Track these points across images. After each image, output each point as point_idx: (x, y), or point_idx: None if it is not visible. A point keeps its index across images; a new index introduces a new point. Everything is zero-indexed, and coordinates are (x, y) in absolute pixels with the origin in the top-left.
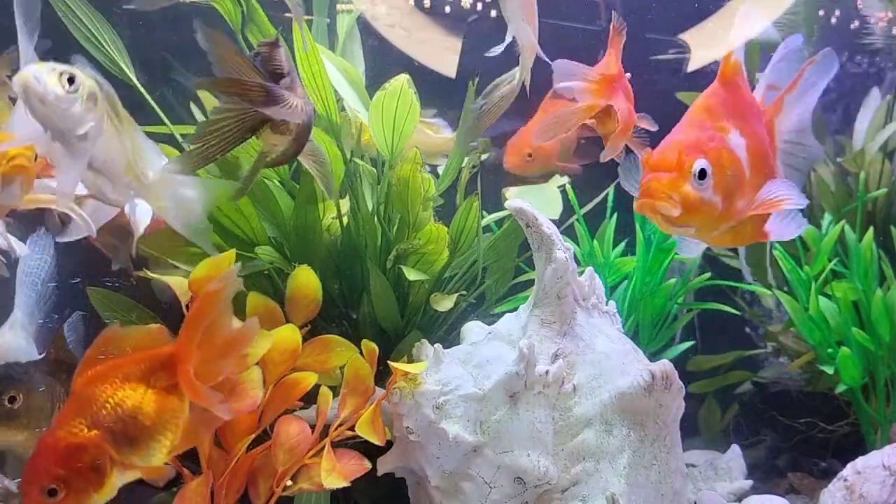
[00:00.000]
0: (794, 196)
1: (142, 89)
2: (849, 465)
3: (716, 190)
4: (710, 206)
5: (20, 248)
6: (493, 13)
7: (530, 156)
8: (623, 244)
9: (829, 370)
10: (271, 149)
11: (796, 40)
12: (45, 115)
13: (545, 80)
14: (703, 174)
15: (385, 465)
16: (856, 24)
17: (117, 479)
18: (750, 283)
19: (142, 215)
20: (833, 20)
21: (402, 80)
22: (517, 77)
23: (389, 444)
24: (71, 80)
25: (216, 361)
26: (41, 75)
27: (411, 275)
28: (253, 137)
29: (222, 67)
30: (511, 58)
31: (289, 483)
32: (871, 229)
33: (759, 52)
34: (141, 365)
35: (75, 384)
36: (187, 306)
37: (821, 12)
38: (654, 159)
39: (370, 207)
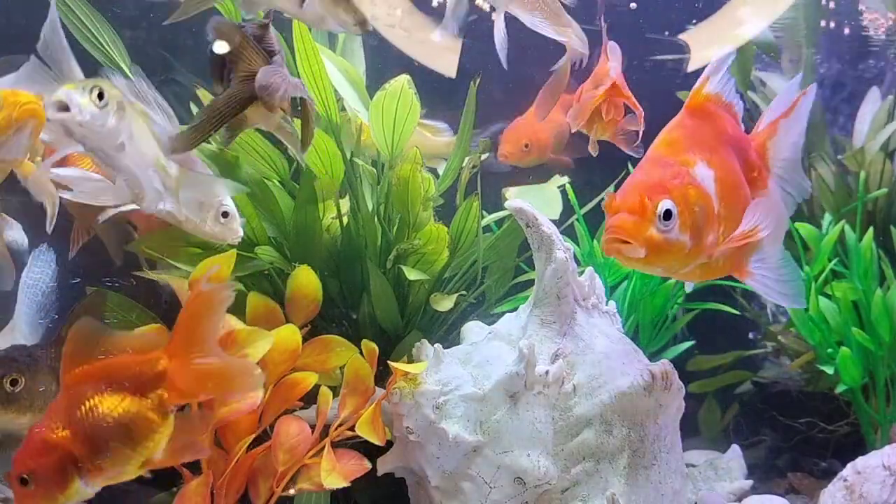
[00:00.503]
0: (772, 224)
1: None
2: (849, 465)
3: (682, 229)
4: (677, 246)
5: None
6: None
7: (527, 146)
8: None
9: (829, 370)
10: (257, 124)
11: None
12: (84, 136)
13: (536, 75)
14: (668, 214)
15: (385, 465)
16: (856, 23)
17: (81, 485)
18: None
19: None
20: (833, 20)
21: (403, 81)
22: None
23: (389, 444)
24: (101, 96)
25: (205, 370)
26: (74, 98)
27: (411, 275)
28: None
29: (225, 42)
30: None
31: (292, 492)
32: (871, 229)
33: (753, 54)
34: (127, 371)
35: (63, 380)
36: None
37: (821, 15)
38: (617, 202)
39: (370, 207)
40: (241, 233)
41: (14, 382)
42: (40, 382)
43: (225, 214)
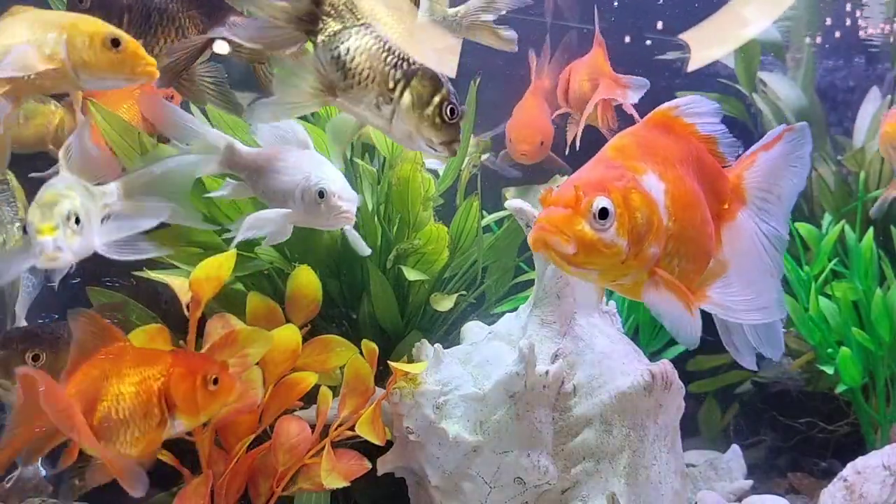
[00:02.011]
0: (737, 255)
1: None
2: (849, 465)
3: (619, 232)
4: (611, 249)
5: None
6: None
7: (542, 143)
8: None
9: (829, 370)
10: None
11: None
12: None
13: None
14: (604, 213)
15: (385, 465)
16: (856, 23)
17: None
18: None
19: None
20: (833, 20)
21: None
22: None
23: (389, 444)
24: (77, 220)
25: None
26: (59, 241)
27: (411, 275)
28: None
29: None
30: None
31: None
32: (871, 229)
33: (758, 52)
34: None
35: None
36: (187, 306)
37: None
38: (552, 196)
39: (370, 207)
40: (352, 215)
41: (36, 358)
42: (61, 359)
43: (321, 195)
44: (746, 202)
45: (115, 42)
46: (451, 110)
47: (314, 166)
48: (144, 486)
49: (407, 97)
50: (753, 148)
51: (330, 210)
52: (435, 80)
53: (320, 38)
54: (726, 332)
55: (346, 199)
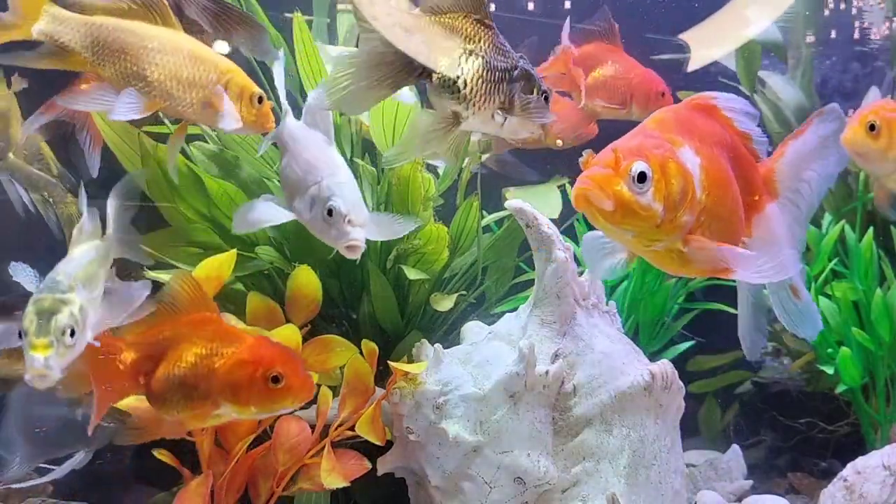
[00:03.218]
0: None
1: None
2: (849, 465)
3: (656, 196)
4: (648, 212)
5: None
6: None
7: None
8: None
9: (830, 370)
10: None
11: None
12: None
13: None
14: (642, 177)
15: (385, 465)
16: (856, 23)
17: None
18: None
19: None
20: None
21: None
22: None
23: (389, 444)
24: (72, 333)
25: None
26: (51, 361)
27: (411, 275)
28: None
29: None
30: None
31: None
32: (871, 229)
33: (760, 53)
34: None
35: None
36: None
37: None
38: (593, 159)
39: (370, 207)
40: (361, 242)
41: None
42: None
43: (329, 213)
44: (778, 195)
45: (260, 99)
46: (546, 97)
47: (330, 171)
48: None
49: (517, 102)
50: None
51: (338, 232)
52: (530, 77)
53: (435, 77)
54: (747, 320)
55: (356, 223)
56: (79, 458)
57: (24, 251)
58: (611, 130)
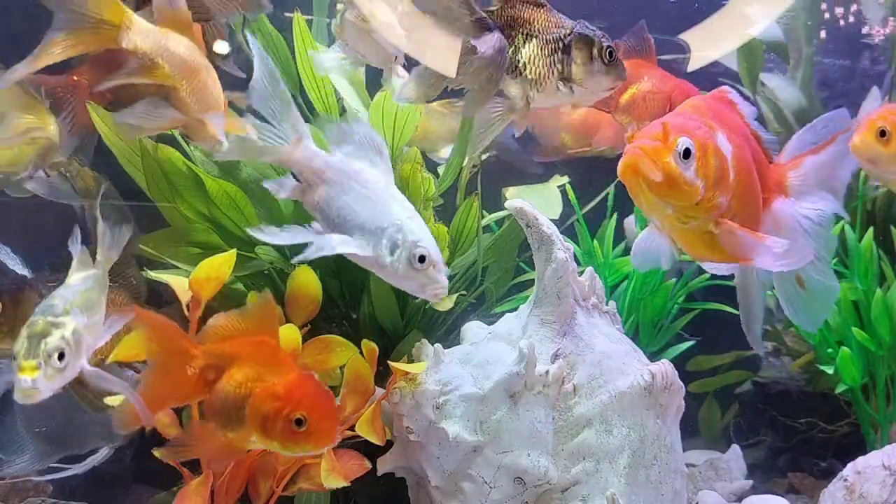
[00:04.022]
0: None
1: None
2: (849, 465)
3: (699, 173)
4: (691, 187)
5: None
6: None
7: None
8: (623, 244)
9: (830, 370)
10: None
11: (841, 114)
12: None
13: None
14: (687, 153)
15: (385, 465)
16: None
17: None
18: None
19: None
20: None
21: None
22: None
23: (389, 444)
24: (61, 356)
25: None
26: (38, 382)
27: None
28: None
29: None
30: None
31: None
32: (870, 229)
33: (762, 53)
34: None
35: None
36: (187, 306)
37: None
38: (641, 132)
39: None
40: (445, 289)
41: None
42: (22, 310)
43: (421, 259)
44: (788, 195)
45: None
46: (610, 52)
47: (405, 212)
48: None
49: (578, 69)
50: (796, 144)
51: (427, 279)
52: (587, 39)
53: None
54: (748, 312)
55: (441, 267)
56: (102, 455)
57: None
58: None
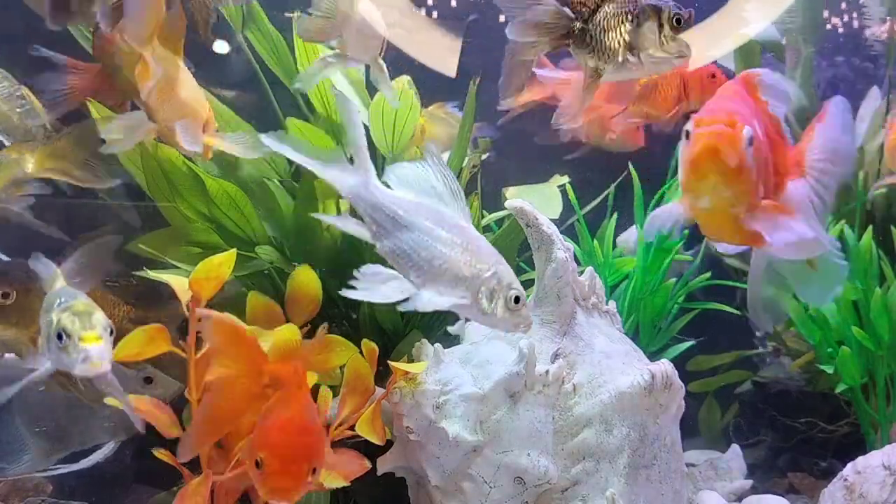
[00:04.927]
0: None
1: None
2: (849, 465)
3: (755, 160)
4: (751, 176)
5: None
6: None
7: (637, 128)
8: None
9: (829, 370)
10: None
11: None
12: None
13: None
14: (750, 141)
15: (385, 464)
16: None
17: None
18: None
19: None
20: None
21: (403, 81)
22: None
23: (389, 443)
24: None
25: None
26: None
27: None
28: None
29: None
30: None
31: None
32: (870, 229)
33: (759, 52)
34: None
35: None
36: (187, 306)
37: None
38: (708, 117)
39: None
40: (531, 321)
41: (6, 295)
42: (32, 298)
43: (517, 300)
44: (805, 174)
45: None
46: (678, 19)
47: (494, 256)
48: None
49: (646, 37)
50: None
51: (520, 319)
52: (654, 8)
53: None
54: (756, 293)
55: (527, 303)
56: (108, 449)
57: None
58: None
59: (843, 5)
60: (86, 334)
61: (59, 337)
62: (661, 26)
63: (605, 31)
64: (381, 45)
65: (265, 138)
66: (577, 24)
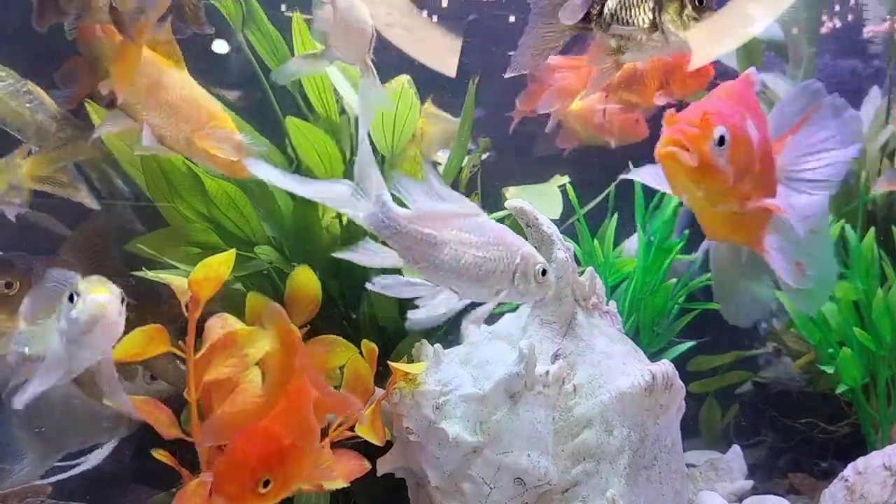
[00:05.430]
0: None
1: None
2: (850, 466)
3: (730, 161)
4: (723, 175)
5: None
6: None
7: (637, 121)
8: (623, 245)
9: (830, 370)
10: None
11: (814, 84)
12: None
13: None
14: (722, 140)
15: (385, 465)
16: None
17: None
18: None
19: None
20: (833, 19)
21: (403, 81)
22: None
23: (389, 444)
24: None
25: None
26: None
27: (411, 275)
28: None
29: None
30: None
31: None
32: (871, 229)
33: (762, 51)
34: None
35: None
36: (187, 306)
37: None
38: (678, 116)
39: None
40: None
41: (9, 285)
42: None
43: (543, 273)
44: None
45: None
46: (700, 0)
47: (517, 241)
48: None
49: (669, 15)
50: (776, 122)
51: (548, 286)
52: None
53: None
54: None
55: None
56: (109, 448)
57: None
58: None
59: (842, 5)
60: (96, 289)
61: (71, 298)
62: (683, 6)
63: (627, 8)
64: (369, 44)
65: (285, 181)
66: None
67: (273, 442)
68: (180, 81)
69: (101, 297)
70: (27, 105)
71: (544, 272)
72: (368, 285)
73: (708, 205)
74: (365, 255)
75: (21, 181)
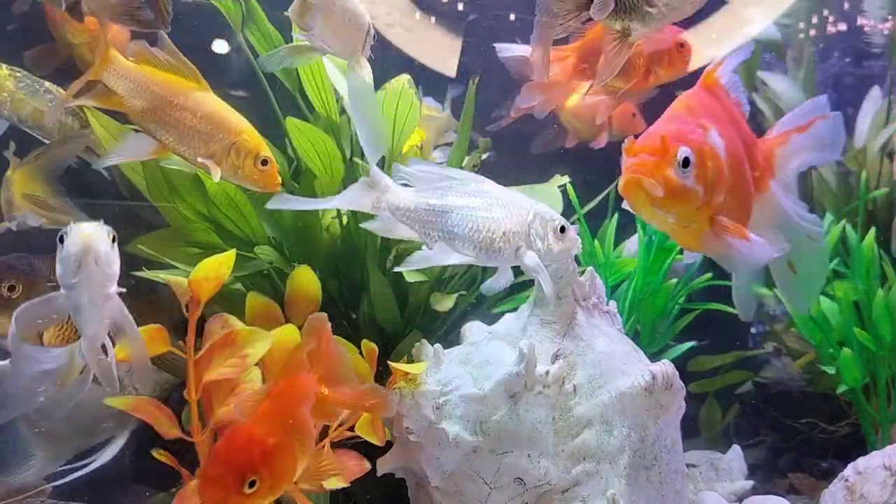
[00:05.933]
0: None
1: None
2: (850, 466)
3: (697, 180)
4: (691, 194)
5: None
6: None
7: (634, 115)
8: (623, 245)
9: (831, 370)
10: None
11: (823, 100)
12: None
13: None
14: (686, 162)
15: (385, 465)
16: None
17: None
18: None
19: None
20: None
21: (403, 81)
22: None
23: (389, 444)
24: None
25: None
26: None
27: (411, 276)
28: None
29: None
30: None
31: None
32: (872, 229)
33: (759, 52)
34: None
35: None
36: (187, 306)
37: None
38: (638, 145)
39: None
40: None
41: (11, 288)
42: (37, 291)
43: (562, 230)
44: (776, 175)
45: (265, 162)
46: None
47: (527, 201)
48: None
49: None
50: (784, 126)
51: (571, 243)
52: None
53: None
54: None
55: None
56: (119, 443)
57: None
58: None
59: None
60: (85, 224)
61: (62, 240)
62: None
63: None
64: (363, 40)
65: (311, 204)
66: None
67: (257, 442)
68: (203, 100)
69: (87, 227)
70: (49, 104)
71: (563, 229)
72: (397, 268)
73: (679, 227)
74: (385, 224)
75: (12, 197)
